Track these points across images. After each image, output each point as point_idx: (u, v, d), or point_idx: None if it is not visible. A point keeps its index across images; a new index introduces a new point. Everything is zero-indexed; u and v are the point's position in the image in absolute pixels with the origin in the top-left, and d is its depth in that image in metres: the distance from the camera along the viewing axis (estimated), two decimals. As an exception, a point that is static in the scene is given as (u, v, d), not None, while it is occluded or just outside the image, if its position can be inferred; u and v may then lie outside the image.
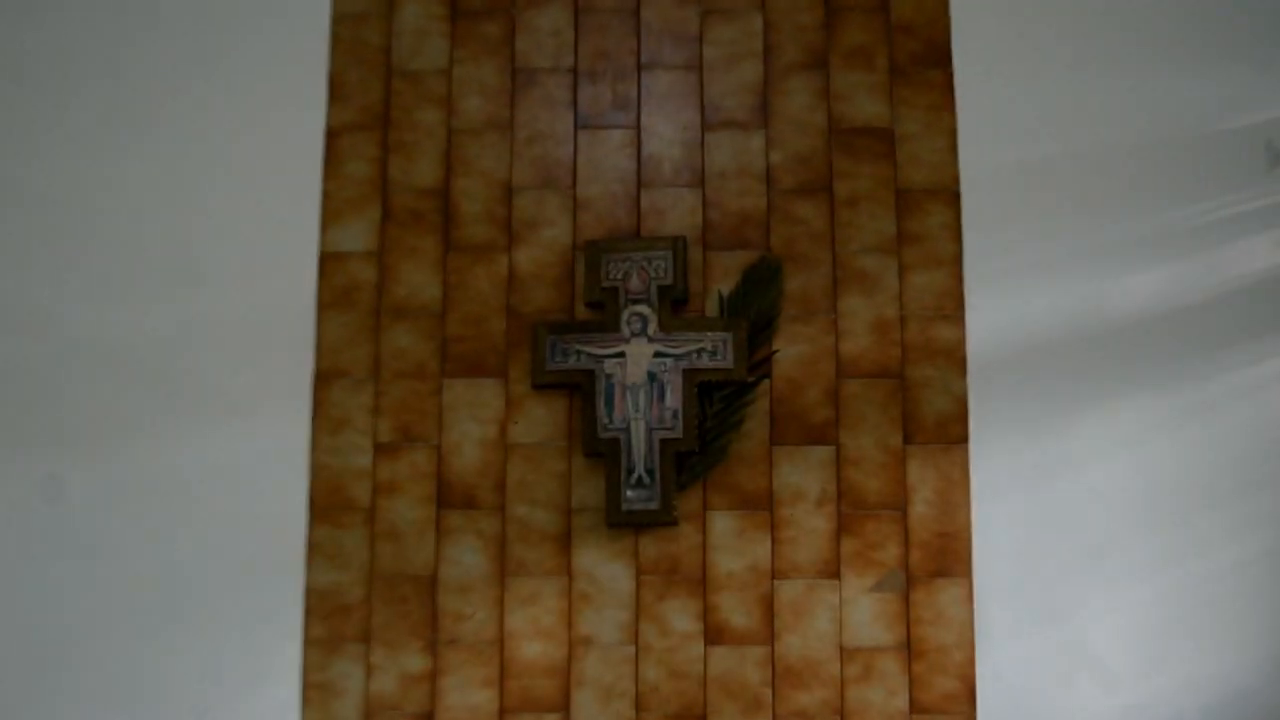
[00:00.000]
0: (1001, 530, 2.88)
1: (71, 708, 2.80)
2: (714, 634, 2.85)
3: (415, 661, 2.86)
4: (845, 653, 2.83)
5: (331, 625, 2.87)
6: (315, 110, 3.05)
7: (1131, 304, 2.95)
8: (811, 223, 3.00)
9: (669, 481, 2.85)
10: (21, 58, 3.00)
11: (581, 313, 2.98)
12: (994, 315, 2.95)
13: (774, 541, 2.88)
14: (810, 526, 2.89)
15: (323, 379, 2.97)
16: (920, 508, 2.89)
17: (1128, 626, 2.85)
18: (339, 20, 3.07)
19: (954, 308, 2.96)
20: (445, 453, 2.93)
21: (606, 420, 2.87)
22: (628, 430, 2.86)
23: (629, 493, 2.84)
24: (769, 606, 2.85)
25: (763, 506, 2.90)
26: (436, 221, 3.02)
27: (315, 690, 2.85)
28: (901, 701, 2.80)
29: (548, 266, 3.00)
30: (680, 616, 2.86)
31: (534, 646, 2.86)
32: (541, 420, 2.93)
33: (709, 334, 2.89)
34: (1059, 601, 2.86)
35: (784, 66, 3.05)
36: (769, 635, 2.84)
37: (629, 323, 2.91)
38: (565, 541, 2.89)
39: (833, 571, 2.87)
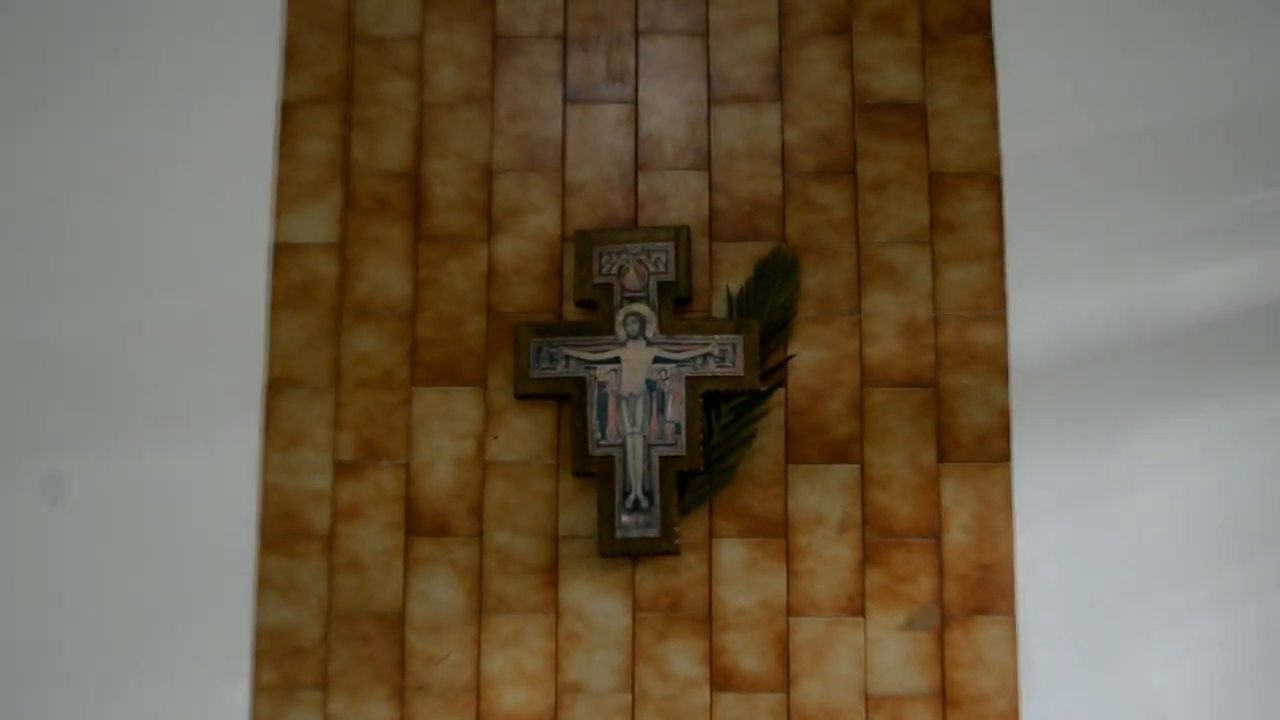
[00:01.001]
0: (1050, 561, 2.78)
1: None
2: (721, 679, 2.76)
3: (380, 711, 2.77)
4: (871, 701, 2.74)
5: (284, 669, 2.78)
6: (267, 81, 2.96)
7: (1199, 302, 2.86)
8: (833, 210, 2.92)
9: (670, 505, 2.76)
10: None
11: (571, 312, 2.90)
12: (1041, 315, 2.86)
13: (790, 574, 2.79)
14: (831, 556, 2.80)
15: (275, 388, 2.88)
16: (957, 535, 2.80)
17: (1195, 672, 2.76)
18: (294, -22, 3.02)
19: (995, 307, 2.87)
20: (415, 472, 2.84)
21: (599, 435, 2.78)
22: (623, 446, 2.78)
23: (624, 518, 2.76)
24: (784, 648, 2.77)
25: (777, 534, 2.81)
26: (406, 208, 2.94)
27: (265, 744, 2.78)
28: (936, 757, 2.74)
29: (532, 260, 2.92)
30: (683, 659, 2.77)
31: (516, 694, 2.76)
32: (525, 435, 2.85)
33: (716, 337, 2.81)
34: (1115, 643, 2.77)
35: (802, 32, 2.98)
36: (784, 681, 2.75)
37: (625, 324, 2.84)
38: (552, 573, 2.81)
39: (857, 608, 2.78)
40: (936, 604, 2.78)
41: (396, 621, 2.80)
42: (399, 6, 3.00)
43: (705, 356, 2.82)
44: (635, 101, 2.97)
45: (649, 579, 2.81)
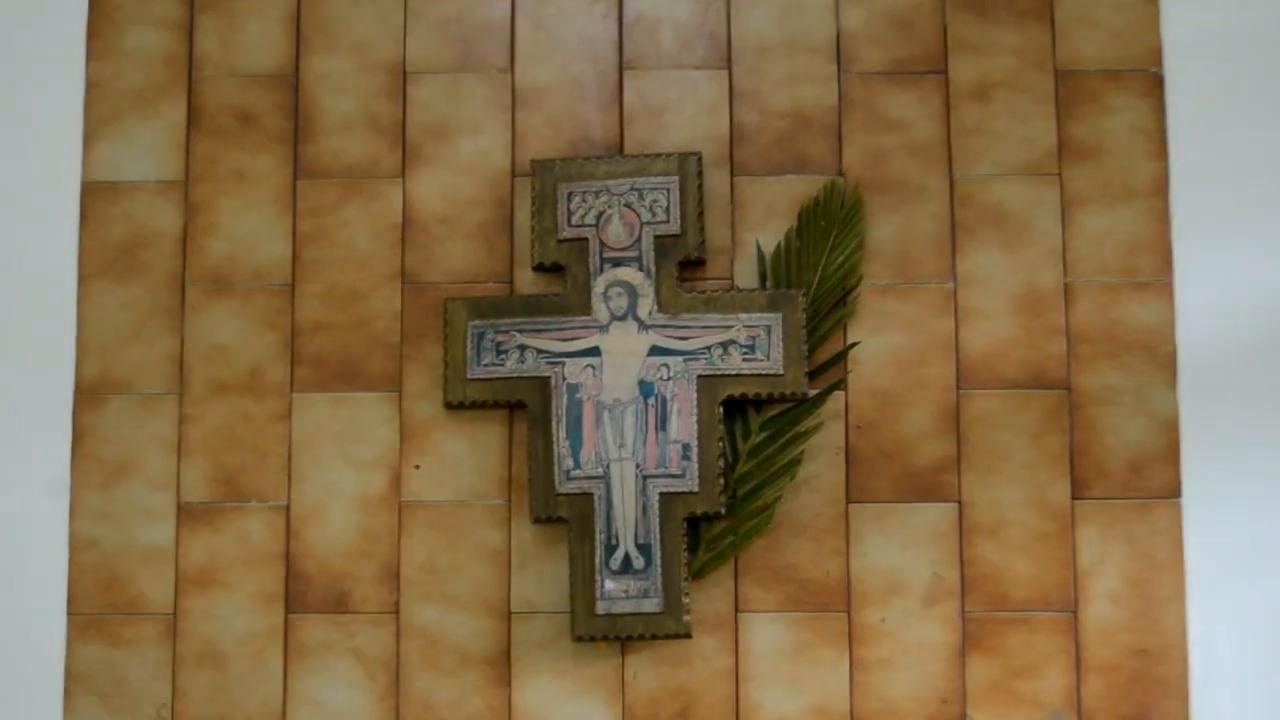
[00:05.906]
0: (1237, 643, 2.45)
1: None
2: (755, 819, 2.50)
3: None
4: None
5: (107, 810, 2.51)
6: (70, -58, 2.75)
7: None
8: (913, 128, 2.59)
9: (676, 565, 2.45)
10: None
11: (527, 282, 2.59)
12: (1223, 282, 2.51)
13: (854, 664, 2.48)
14: (915, 639, 2.48)
15: (87, 396, 2.57)
16: (1101, 605, 2.47)
17: None
18: None
19: (1157, 269, 2.52)
20: (298, 519, 2.53)
21: (571, 463, 2.50)
22: (606, 479, 2.49)
23: (609, 584, 2.47)
24: (847, 772, 2.51)
25: (835, 606, 2.49)
26: (280, 129, 2.63)
27: None
28: None
29: (470, 204, 2.60)
30: (697, 790, 2.48)
31: (449, 844, 2.49)
32: (461, 463, 2.54)
33: (741, 316, 2.50)
34: (1334, 760, 2.43)
35: None
36: (847, 820, 2.50)
37: (607, 298, 2.53)
38: (502, 666, 2.49)
39: (955, 713, 2.46)
40: (1072, 708, 2.46)
41: (274, 739, 2.52)
42: None
43: (726, 345, 2.51)
44: (620, -33, 2.71)
45: (646, 673, 2.50)
